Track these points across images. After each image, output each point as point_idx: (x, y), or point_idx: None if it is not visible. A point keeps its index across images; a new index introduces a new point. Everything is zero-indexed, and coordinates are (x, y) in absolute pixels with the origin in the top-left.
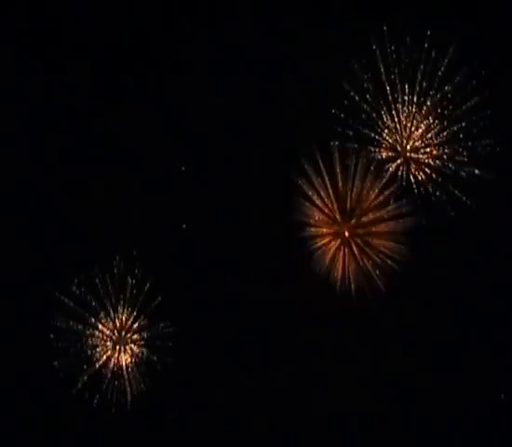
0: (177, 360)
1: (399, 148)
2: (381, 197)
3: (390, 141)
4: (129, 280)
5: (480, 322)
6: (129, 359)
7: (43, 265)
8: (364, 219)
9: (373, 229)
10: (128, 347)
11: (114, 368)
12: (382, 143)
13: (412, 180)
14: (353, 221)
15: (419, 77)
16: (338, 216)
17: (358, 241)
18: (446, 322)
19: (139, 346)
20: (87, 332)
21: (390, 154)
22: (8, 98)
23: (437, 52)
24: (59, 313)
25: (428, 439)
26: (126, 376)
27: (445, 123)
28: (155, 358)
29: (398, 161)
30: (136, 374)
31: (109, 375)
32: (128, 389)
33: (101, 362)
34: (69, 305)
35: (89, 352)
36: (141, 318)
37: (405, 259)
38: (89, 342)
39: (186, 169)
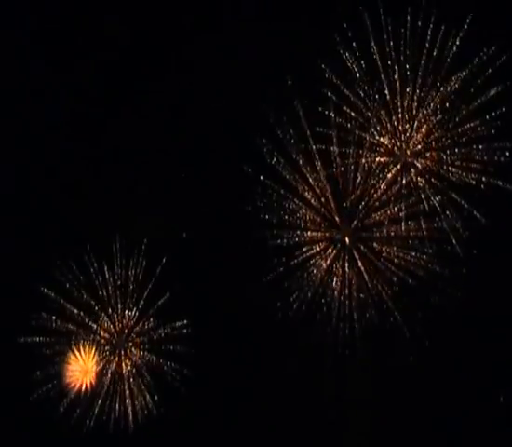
0: (193, 369)
1: (399, 152)
2: (384, 198)
3: (389, 145)
4: (131, 275)
5: (485, 326)
6: (132, 367)
7: (36, 261)
8: (367, 222)
9: (378, 233)
10: (129, 352)
11: (113, 377)
12: (380, 148)
13: (412, 185)
14: (354, 223)
15: (419, 80)
16: (337, 218)
17: (360, 247)
18: (453, 331)
19: (142, 350)
20: (82, 334)
21: (389, 158)
22: (9, 98)
23: (439, 52)
24: (47, 312)
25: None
26: (127, 390)
27: (446, 127)
28: (165, 366)
29: (398, 166)
30: (141, 387)
31: (106, 388)
32: (130, 408)
33: (96, 371)
34: (58, 302)
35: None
36: (147, 317)
37: (414, 267)
38: (83, 345)
39: (185, 172)
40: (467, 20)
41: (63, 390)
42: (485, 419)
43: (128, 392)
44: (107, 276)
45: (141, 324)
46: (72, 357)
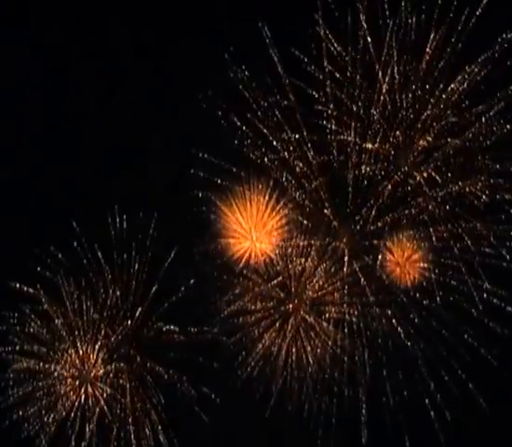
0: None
1: (396, 163)
2: (383, 207)
3: (389, 154)
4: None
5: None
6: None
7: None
8: (366, 230)
9: (378, 242)
10: (131, 361)
11: (110, 398)
12: (378, 158)
13: (412, 195)
14: (353, 232)
15: (419, 90)
16: (335, 222)
17: (360, 255)
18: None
19: (151, 362)
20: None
21: (387, 169)
22: (10, 99)
23: (439, 55)
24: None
25: None
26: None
27: (446, 136)
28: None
29: (395, 177)
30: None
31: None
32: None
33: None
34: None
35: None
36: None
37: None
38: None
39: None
40: (470, 23)
41: (55, 404)
42: None
43: (130, 407)
44: (107, 277)
45: (150, 323)
46: (67, 363)
